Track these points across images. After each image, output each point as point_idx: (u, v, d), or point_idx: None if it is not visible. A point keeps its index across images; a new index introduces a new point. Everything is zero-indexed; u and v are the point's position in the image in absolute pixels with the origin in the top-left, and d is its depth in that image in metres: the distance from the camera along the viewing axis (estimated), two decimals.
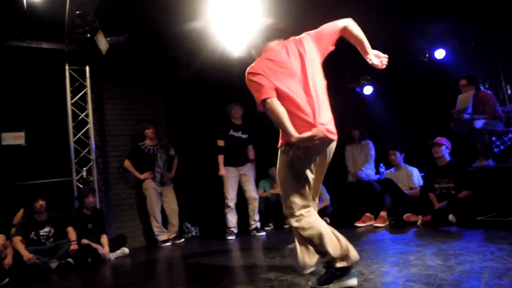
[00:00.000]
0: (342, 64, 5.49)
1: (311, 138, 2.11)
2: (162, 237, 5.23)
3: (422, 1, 4.55)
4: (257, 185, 5.88)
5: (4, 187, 4.70)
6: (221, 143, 5.24)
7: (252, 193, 5.26)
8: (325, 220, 5.38)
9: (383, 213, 4.69)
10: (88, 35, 4.63)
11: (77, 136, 5.15)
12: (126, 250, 4.78)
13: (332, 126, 2.31)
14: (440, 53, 5.39)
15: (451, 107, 4.45)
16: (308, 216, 2.31)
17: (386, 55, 2.46)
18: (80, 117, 5.19)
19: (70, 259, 4.19)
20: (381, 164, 5.37)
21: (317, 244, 2.24)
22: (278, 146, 2.36)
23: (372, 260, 2.82)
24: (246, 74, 2.28)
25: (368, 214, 4.82)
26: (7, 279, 3.78)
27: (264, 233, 5.11)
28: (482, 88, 4.74)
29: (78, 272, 4.02)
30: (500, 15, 4.61)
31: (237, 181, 5.27)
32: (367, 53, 2.48)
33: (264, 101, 2.18)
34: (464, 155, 4.65)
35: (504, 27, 4.76)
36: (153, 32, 4.88)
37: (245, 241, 4.87)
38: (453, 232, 3.72)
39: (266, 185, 5.90)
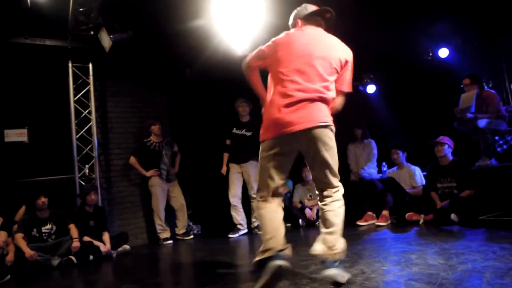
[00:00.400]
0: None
1: None
2: (164, 235, 5.25)
3: (426, 0, 4.53)
4: None
5: (6, 184, 4.71)
6: (228, 142, 5.32)
7: (253, 191, 5.24)
8: None
9: (385, 212, 4.68)
10: (92, 33, 4.63)
11: (80, 134, 5.16)
12: (127, 247, 4.79)
13: (295, 117, 2.24)
14: (443, 52, 5.37)
15: (454, 106, 4.43)
16: (261, 203, 2.39)
17: None
18: (83, 115, 5.20)
19: (71, 257, 4.20)
20: (384, 163, 5.36)
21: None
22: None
23: (374, 259, 2.82)
24: None
25: (370, 213, 4.82)
26: (8, 276, 3.79)
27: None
28: (485, 87, 4.72)
29: (80, 269, 4.03)
30: (504, 14, 4.58)
31: (240, 178, 5.27)
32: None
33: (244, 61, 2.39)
34: (467, 154, 4.63)
35: (508, 26, 4.73)
36: (156, 30, 4.87)
37: (247, 239, 4.87)
38: (455, 231, 3.71)
39: None
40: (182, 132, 5.71)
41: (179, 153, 5.59)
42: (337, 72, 2.41)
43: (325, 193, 2.38)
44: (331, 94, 2.38)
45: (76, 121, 5.13)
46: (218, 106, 5.57)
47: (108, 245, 4.55)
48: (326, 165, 2.31)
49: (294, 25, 2.53)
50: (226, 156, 5.30)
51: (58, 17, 4.40)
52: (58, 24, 4.56)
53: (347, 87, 2.50)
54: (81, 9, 4.21)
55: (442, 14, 4.77)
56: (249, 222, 5.33)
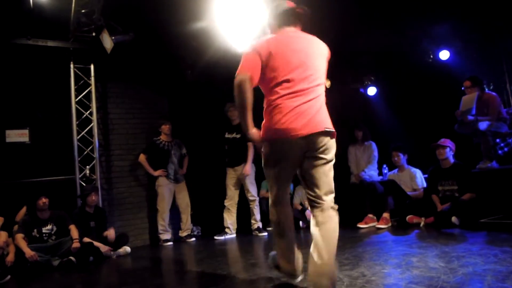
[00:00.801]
0: (346, 65, 5.49)
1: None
2: (164, 236, 5.25)
3: (426, 3, 4.53)
4: (260, 185, 5.88)
5: (7, 184, 4.71)
6: (226, 147, 5.43)
7: (249, 193, 5.27)
8: None
9: (385, 215, 4.68)
10: (93, 34, 4.65)
11: (81, 134, 5.17)
12: (128, 248, 4.78)
13: (296, 124, 2.10)
14: (444, 54, 5.38)
15: (455, 108, 4.43)
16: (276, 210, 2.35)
17: None
18: (84, 115, 5.21)
19: (72, 257, 4.19)
20: (384, 165, 5.35)
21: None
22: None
23: (374, 262, 2.81)
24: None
25: (370, 215, 4.81)
26: (9, 276, 3.79)
27: (266, 233, 5.11)
28: (486, 89, 4.72)
29: (80, 270, 4.03)
30: (505, 17, 4.59)
31: (236, 181, 5.32)
32: None
33: (236, 75, 2.15)
34: (468, 157, 4.63)
35: (508, 28, 4.74)
36: (158, 31, 4.89)
37: (247, 241, 4.87)
38: (456, 234, 3.71)
39: None
40: (182, 133, 5.71)
41: (187, 156, 5.63)
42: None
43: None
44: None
45: (77, 122, 5.14)
46: (219, 108, 5.57)
47: (113, 235, 4.65)
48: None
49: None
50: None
51: (60, 18, 4.41)
52: (60, 25, 4.57)
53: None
54: (83, 11, 4.23)
55: (443, 16, 4.78)
56: (248, 224, 5.34)
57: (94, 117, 5.24)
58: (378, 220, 4.72)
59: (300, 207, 5.52)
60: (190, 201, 5.51)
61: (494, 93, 4.57)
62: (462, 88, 4.58)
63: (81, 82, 5.22)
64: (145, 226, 5.59)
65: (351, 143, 5.74)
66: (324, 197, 2.15)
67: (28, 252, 4.01)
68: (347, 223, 4.96)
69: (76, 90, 5.15)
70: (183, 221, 5.45)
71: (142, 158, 5.34)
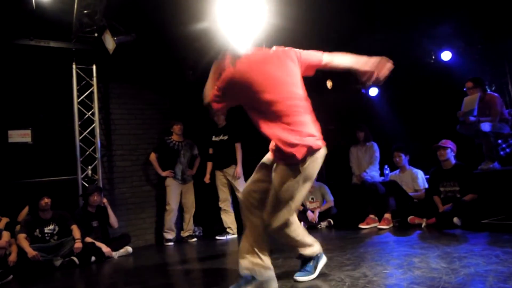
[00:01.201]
0: None
1: None
2: (168, 235, 5.28)
3: (428, 3, 4.53)
4: None
5: (10, 184, 4.73)
6: (210, 151, 5.47)
7: (239, 194, 5.21)
8: (329, 222, 5.40)
9: (387, 215, 4.67)
10: (96, 35, 4.67)
11: (83, 135, 5.18)
12: (129, 249, 4.79)
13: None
14: (446, 55, 5.37)
15: (457, 109, 4.43)
16: None
17: (388, 63, 2.24)
18: (86, 116, 5.23)
19: (74, 257, 4.21)
20: (386, 166, 5.34)
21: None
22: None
23: (376, 262, 2.81)
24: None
25: (372, 216, 4.81)
26: (11, 276, 3.81)
27: None
28: (488, 90, 4.71)
29: (82, 270, 4.04)
30: (507, 18, 4.58)
31: (226, 182, 5.35)
32: (362, 73, 2.30)
33: None
34: (469, 158, 4.62)
35: (510, 29, 4.73)
36: (160, 32, 4.90)
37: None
38: (458, 235, 3.70)
39: None
40: (184, 134, 5.72)
41: (198, 157, 5.66)
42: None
43: None
44: None
45: (79, 123, 5.16)
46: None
47: (112, 217, 4.83)
48: None
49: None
50: (209, 164, 5.46)
51: (62, 19, 4.43)
52: (62, 26, 4.59)
53: None
54: (85, 11, 4.25)
55: (445, 17, 4.77)
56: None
57: (96, 118, 5.26)
58: (379, 220, 4.71)
59: (301, 208, 5.52)
60: (197, 202, 5.55)
61: (496, 94, 4.56)
62: (464, 89, 4.58)
63: (83, 82, 5.23)
64: (147, 226, 5.61)
65: (352, 144, 5.73)
66: None
67: (30, 252, 4.02)
68: (349, 224, 4.96)
69: (78, 90, 5.17)
70: (185, 221, 5.47)
71: (152, 156, 5.40)
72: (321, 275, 2.57)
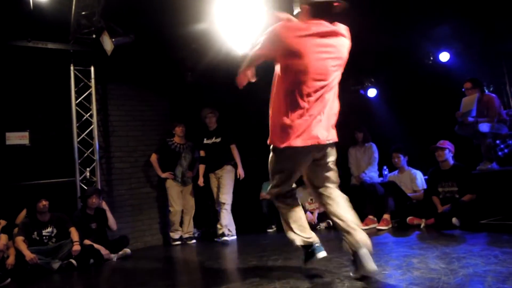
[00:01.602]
0: (346, 66, 5.49)
1: None
2: (175, 235, 5.31)
3: (427, 4, 4.54)
4: (260, 187, 5.87)
5: (7, 187, 4.71)
6: (202, 153, 5.42)
7: (222, 196, 5.17)
8: (328, 223, 5.39)
9: (386, 216, 4.67)
10: (94, 36, 4.66)
11: (81, 137, 5.17)
12: (128, 251, 4.78)
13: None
14: (444, 56, 5.38)
15: (455, 110, 4.43)
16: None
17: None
18: (84, 118, 5.21)
19: (72, 260, 4.19)
20: (385, 167, 5.35)
21: None
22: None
23: (375, 263, 2.80)
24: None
25: (371, 216, 4.81)
26: (9, 279, 3.79)
27: (228, 240, 4.97)
28: (486, 91, 4.72)
29: (80, 273, 4.03)
30: (505, 18, 4.59)
31: (218, 184, 5.30)
32: None
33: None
34: (468, 158, 4.63)
35: (508, 30, 4.74)
36: (158, 34, 4.90)
37: (247, 243, 4.86)
38: (457, 235, 3.70)
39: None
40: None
41: (199, 160, 5.59)
42: None
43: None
44: None
45: (77, 124, 5.15)
46: (219, 110, 5.57)
47: (111, 219, 4.83)
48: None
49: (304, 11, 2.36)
50: (202, 167, 5.42)
51: (60, 20, 4.43)
52: (60, 28, 4.59)
53: None
54: (83, 13, 4.24)
55: (443, 18, 4.79)
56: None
57: (95, 119, 5.25)
58: (378, 221, 4.71)
59: None
60: (197, 203, 5.54)
61: (493, 95, 4.57)
62: (463, 90, 4.59)
63: (81, 84, 5.22)
64: (146, 228, 5.59)
65: (351, 144, 5.74)
66: None
67: (28, 254, 4.00)
68: None
69: (76, 92, 5.16)
70: (185, 223, 5.45)
71: (153, 157, 5.41)
72: (320, 276, 2.56)
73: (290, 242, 2.61)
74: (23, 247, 4.06)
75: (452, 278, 2.21)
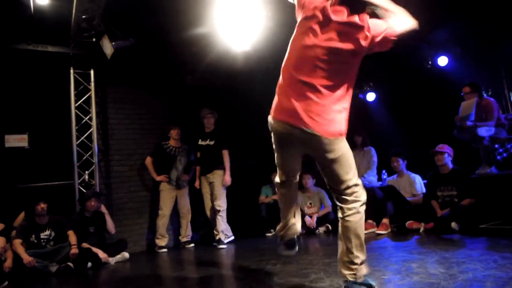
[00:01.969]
0: None
1: None
2: (161, 242, 5.23)
3: (425, 9, 4.56)
4: (259, 191, 5.86)
5: (6, 189, 4.70)
6: (198, 154, 5.38)
7: (216, 202, 5.10)
8: (327, 227, 5.39)
9: (385, 220, 4.67)
10: (94, 39, 4.67)
11: (80, 140, 5.16)
12: (126, 254, 4.76)
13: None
14: (443, 60, 5.39)
15: (454, 114, 4.44)
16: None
17: None
18: (84, 121, 5.21)
19: (70, 263, 4.17)
20: (384, 171, 5.35)
21: None
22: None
23: (374, 268, 2.80)
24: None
25: (370, 221, 4.79)
26: (6, 282, 3.77)
27: (225, 246, 4.92)
28: (485, 95, 4.74)
29: (78, 276, 4.01)
30: (503, 23, 4.61)
31: (210, 188, 5.24)
32: None
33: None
34: (467, 162, 4.63)
35: (507, 34, 4.76)
36: (158, 37, 4.91)
37: (246, 247, 4.85)
38: (456, 240, 3.70)
39: (268, 191, 5.88)
40: (182, 138, 5.71)
41: (195, 163, 5.54)
42: None
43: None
44: None
45: (76, 127, 5.14)
46: (218, 113, 5.58)
47: (109, 221, 4.80)
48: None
49: None
50: (198, 169, 5.36)
51: (60, 24, 4.43)
52: (60, 31, 4.59)
53: None
54: (83, 16, 4.25)
55: (441, 22, 4.80)
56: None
57: (94, 122, 5.25)
58: (377, 226, 4.71)
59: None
60: (193, 207, 5.50)
61: (492, 99, 4.59)
62: (461, 94, 4.60)
63: (81, 87, 5.23)
64: (144, 232, 5.57)
65: (350, 148, 5.73)
66: None
67: (26, 257, 3.98)
68: None
69: (75, 95, 5.16)
70: (182, 227, 5.43)
71: (148, 160, 5.38)
72: (319, 281, 2.56)
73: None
74: (20, 250, 4.04)
75: (451, 283, 2.20)
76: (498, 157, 4.58)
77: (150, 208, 5.64)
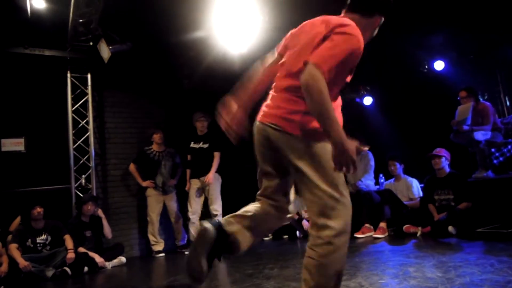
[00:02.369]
0: None
1: None
2: (157, 247, 5.20)
3: (421, 13, 4.60)
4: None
5: (2, 193, 4.68)
6: (188, 157, 5.32)
7: (213, 206, 5.08)
8: None
9: (382, 224, 4.67)
10: (91, 43, 4.68)
11: (77, 144, 5.15)
12: (123, 259, 4.74)
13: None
14: (439, 65, 5.43)
15: (450, 118, 4.46)
16: None
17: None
18: (81, 125, 5.20)
19: (66, 268, 4.15)
20: (381, 175, 5.36)
21: None
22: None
23: (372, 272, 2.80)
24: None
25: (367, 225, 4.80)
26: (2, 287, 3.75)
27: None
28: (481, 99, 4.76)
29: (74, 281, 3.98)
30: (499, 28, 4.65)
31: (201, 193, 5.20)
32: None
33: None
34: (463, 166, 4.64)
35: (502, 39, 4.80)
36: (155, 41, 4.92)
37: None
38: (453, 243, 3.70)
39: None
40: (179, 142, 5.70)
41: (180, 167, 5.52)
42: None
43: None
44: None
45: (73, 131, 5.13)
46: (216, 116, 5.58)
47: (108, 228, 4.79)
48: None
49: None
50: (188, 172, 5.30)
51: (57, 27, 4.44)
52: (57, 35, 4.60)
53: None
54: (80, 20, 4.26)
55: (437, 27, 4.84)
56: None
57: (91, 126, 5.24)
58: (375, 229, 4.71)
59: (296, 216, 5.50)
60: (182, 211, 5.44)
61: (488, 103, 4.61)
62: (458, 98, 4.62)
63: (78, 91, 5.22)
64: (141, 236, 5.55)
65: None
66: None
67: (22, 262, 3.96)
68: None
69: (72, 99, 5.16)
70: (176, 231, 5.38)
71: (132, 167, 5.30)
72: None
73: None
74: (16, 255, 4.02)
75: (448, 287, 2.20)
76: (495, 161, 4.60)
77: (147, 213, 5.61)
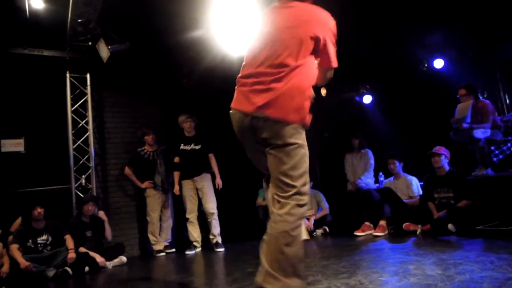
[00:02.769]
0: (341, 73, 5.53)
1: None
2: (157, 246, 5.19)
3: (421, 11, 4.60)
4: (256, 194, 5.85)
5: (3, 194, 4.68)
6: (176, 159, 5.23)
7: (209, 205, 5.06)
8: (324, 229, 5.39)
9: (382, 222, 4.68)
10: (90, 43, 4.68)
11: (77, 144, 5.15)
12: (123, 258, 4.75)
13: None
14: (439, 63, 5.43)
15: (450, 116, 4.47)
16: None
17: None
18: (80, 125, 5.20)
19: (67, 268, 4.15)
20: (381, 173, 5.37)
21: None
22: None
23: (372, 270, 2.81)
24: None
25: (367, 223, 4.81)
26: (3, 287, 3.75)
27: (223, 249, 4.88)
28: (480, 97, 4.77)
29: (75, 280, 3.99)
30: (499, 25, 4.65)
31: (195, 193, 5.17)
32: None
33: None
34: (463, 164, 4.65)
35: (502, 37, 4.80)
36: (154, 41, 4.92)
37: (244, 250, 4.84)
38: (453, 241, 3.71)
39: (265, 194, 5.88)
40: (178, 142, 5.70)
41: (173, 167, 5.43)
42: None
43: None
44: None
45: (73, 131, 5.13)
46: (215, 116, 5.58)
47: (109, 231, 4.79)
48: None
49: None
50: (177, 174, 5.20)
51: (56, 27, 4.44)
52: (56, 35, 4.60)
53: None
54: (79, 20, 4.25)
55: (437, 25, 4.84)
56: (207, 238, 5.19)
57: (90, 126, 5.24)
58: (375, 227, 4.71)
59: None
60: (180, 211, 5.41)
61: (488, 101, 4.61)
62: (457, 96, 4.62)
63: (77, 91, 5.22)
64: (142, 235, 5.55)
65: (347, 151, 5.75)
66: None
67: (23, 262, 3.96)
68: (344, 231, 4.96)
69: (72, 99, 5.16)
70: (164, 231, 5.30)
71: (127, 171, 5.25)
72: (317, 283, 2.56)
73: None
74: (17, 255, 4.02)
75: (448, 285, 2.21)
76: (494, 159, 4.60)
77: (146, 212, 5.61)
